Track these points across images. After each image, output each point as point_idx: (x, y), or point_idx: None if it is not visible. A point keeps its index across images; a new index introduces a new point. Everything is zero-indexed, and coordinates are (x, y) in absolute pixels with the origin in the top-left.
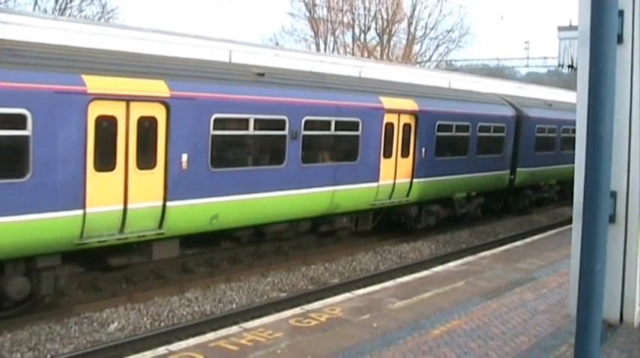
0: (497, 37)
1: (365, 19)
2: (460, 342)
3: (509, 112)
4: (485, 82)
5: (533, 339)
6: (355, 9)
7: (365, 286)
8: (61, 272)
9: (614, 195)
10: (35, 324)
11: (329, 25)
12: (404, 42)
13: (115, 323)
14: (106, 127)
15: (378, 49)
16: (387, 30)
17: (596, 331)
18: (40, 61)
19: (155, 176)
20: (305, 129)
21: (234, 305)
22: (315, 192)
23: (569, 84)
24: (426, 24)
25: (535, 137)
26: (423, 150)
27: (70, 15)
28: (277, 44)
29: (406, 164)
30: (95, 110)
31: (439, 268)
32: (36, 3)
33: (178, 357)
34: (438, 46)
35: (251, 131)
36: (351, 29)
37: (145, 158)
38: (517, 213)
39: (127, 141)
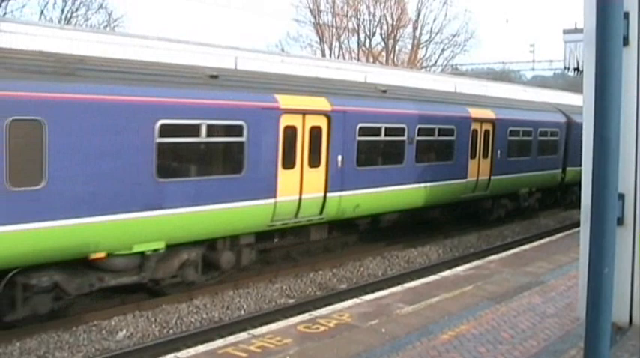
0: (502, 41)
1: (370, 24)
2: (469, 346)
3: (562, 119)
4: (491, 85)
5: (542, 343)
6: (360, 14)
7: (373, 291)
8: (255, 248)
9: (621, 197)
10: (44, 332)
11: (334, 30)
12: (409, 47)
13: (124, 331)
14: (290, 134)
15: (384, 54)
16: (392, 35)
17: (605, 334)
18: (248, 84)
19: (320, 173)
20: (418, 135)
21: (243, 312)
22: (424, 186)
23: (575, 87)
24: (431, 28)
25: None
26: (499, 152)
27: (75, 24)
28: (283, 50)
29: (486, 164)
30: (284, 121)
31: (447, 273)
32: (42, 12)
33: None
34: (443, 51)
35: (382, 137)
36: (356, 35)
37: (314, 158)
38: (524, 217)
39: (302, 145)
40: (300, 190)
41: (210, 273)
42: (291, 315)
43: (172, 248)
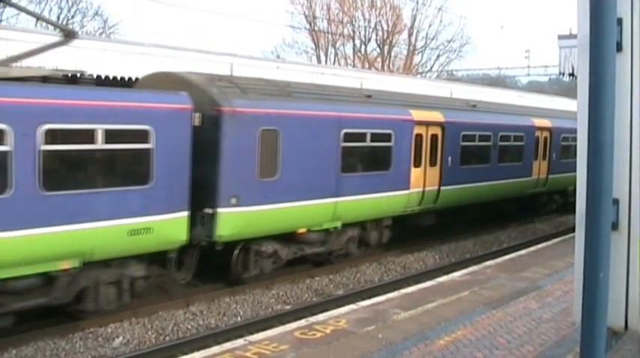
0: (497, 47)
1: (365, 30)
2: (465, 352)
3: None
4: (487, 91)
5: (538, 348)
6: (355, 21)
7: (369, 297)
8: (387, 230)
9: (616, 202)
10: (40, 340)
11: (329, 37)
12: (405, 53)
13: (120, 338)
14: (418, 140)
15: (379, 60)
16: (388, 41)
17: (601, 339)
18: (392, 101)
19: (436, 170)
20: (499, 141)
21: (239, 318)
22: (503, 182)
23: (571, 92)
24: (427, 34)
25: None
26: (554, 155)
27: None
28: (278, 57)
29: (544, 164)
30: (415, 130)
31: (443, 278)
32: (38, 20)
33: None
34: (438, 57)
35: (476, 142)
36: (351, 41)
37: (433, 159)
38: (521, 222)
39: (426, 149)
40: (424, 184)
41: (362, 248)
42: (288, 321)
43: (344, 227)
